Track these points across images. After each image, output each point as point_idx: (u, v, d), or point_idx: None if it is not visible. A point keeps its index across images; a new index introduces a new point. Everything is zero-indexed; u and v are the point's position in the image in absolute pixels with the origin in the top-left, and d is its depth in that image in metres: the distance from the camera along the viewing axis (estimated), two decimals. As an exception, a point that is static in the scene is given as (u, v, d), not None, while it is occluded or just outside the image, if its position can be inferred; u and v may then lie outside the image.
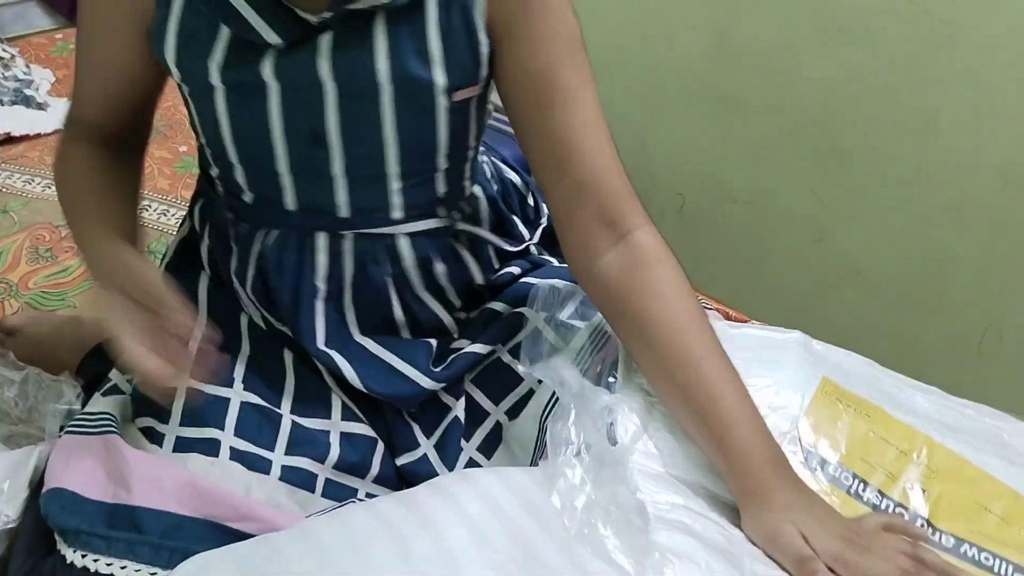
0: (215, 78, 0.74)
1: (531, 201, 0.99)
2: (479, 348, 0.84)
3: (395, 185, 0.80)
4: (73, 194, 0.82)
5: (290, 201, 0.81)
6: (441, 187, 0.83)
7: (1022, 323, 1.41)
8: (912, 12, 1.34)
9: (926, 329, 1.51)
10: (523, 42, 0.76)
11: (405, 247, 0.83)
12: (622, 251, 0.77)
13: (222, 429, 0.77)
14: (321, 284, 0.82)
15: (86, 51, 0.82)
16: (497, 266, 0.92)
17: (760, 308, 1.63)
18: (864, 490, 0.78)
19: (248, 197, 0.82)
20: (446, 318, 0.88)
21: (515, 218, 0.94)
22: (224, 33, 0.74)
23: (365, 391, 0.82)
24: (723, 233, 1.75)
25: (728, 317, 1.09)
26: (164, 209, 1.32)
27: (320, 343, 0.82)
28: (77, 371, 0.99)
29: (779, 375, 0.83)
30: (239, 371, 0.81)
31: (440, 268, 0.85)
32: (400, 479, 0.82)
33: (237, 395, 0.79)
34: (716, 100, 1.65)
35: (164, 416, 0.77)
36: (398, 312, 0.85)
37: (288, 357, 0.83)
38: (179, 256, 0.90)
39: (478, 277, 0.88)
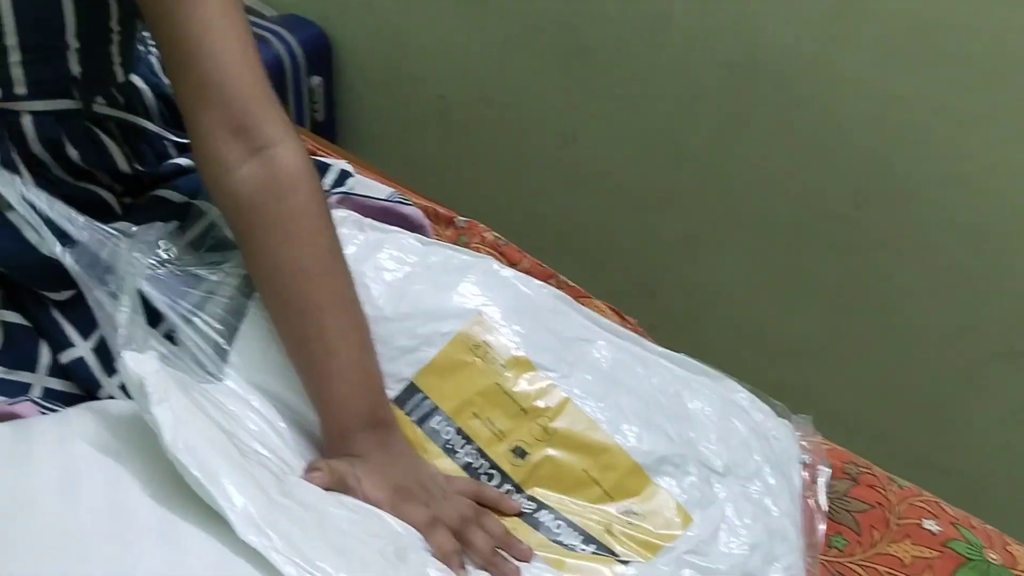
0: None
1: None
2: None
3: (13, 58, 0.74)
4: None
5: None
6: (75, 67, 0.77)
7: (752, 213, 1.47)
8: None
9: (664, 226, 1.57)
10: None
11: (28, 125, 0.77)
12: (257, 169, 0.72)
13: None
14: None
15: None
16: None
17: (514, 213, 1.65)
18: (462, 447, 0.77)
19: None
20: (109, 197, 0.82)
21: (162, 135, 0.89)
22: None
23: None
24: (482, 137, 1.74)
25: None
26: None
27: None
28: None
29: (431, 308, 0.80)
30: None
31: (74, 153, 0.79)
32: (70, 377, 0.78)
33: None
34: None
35: None
36: (38, 190, 0.76)
37: None
38: None
39: (123, 165, 0.83)
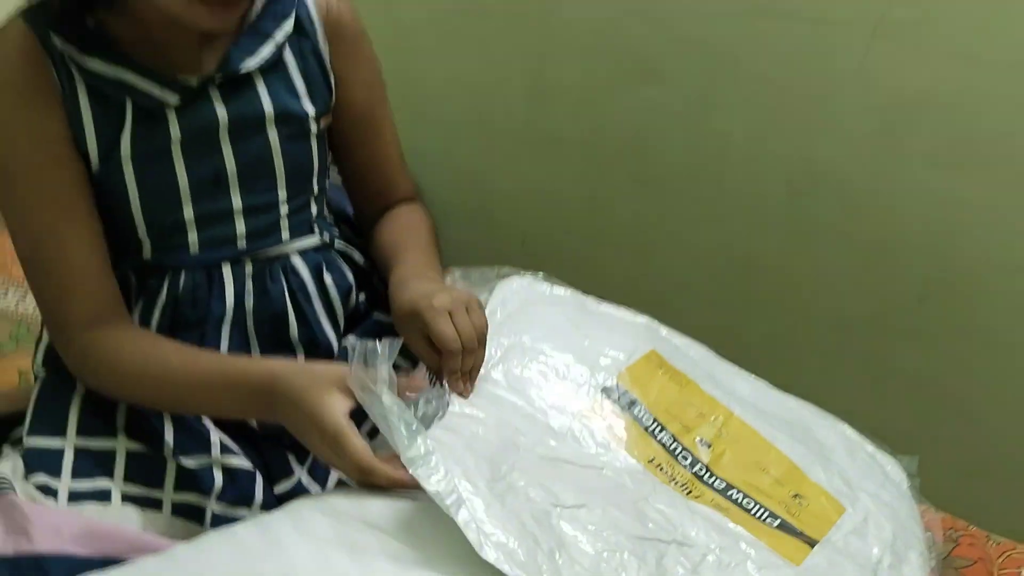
0: (126, 149, 0.87)
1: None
2: None
3: (283, 210, 0.95)
4: (161, 369, 0.88)
5: (193, 244, 0.93)
6: (314, 209, 1.00)
7: (825, 313, 1.59)
8: (696, 52, 1.52)
9: (743, 330, 1.68)
10: (352, 86, 0.99)
11: (298, 262, 0.97)
12: (384, 217, 1.07)
13: (111, 477, 0.85)
14: (228, 311, 0.93)
15: (42, 222, 0.88)
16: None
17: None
18: (660, 432, 0.92)
19: (148, 254, 0.93)
20: (335, 341, 0.99)
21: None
22: (129, 107, 0.87)
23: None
24: (562, 261, 1.88)
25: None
26: (22, 295, 1.39)
27: None
28: None
29: (613, 339, 1.00)
30: (120, 422, 0.89)
31: (329, 278, 0.99)
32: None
33: (121, 444, 0.88)
34: (540, 139, 1.80)
35: (55, 471, 0.85)
36: (294, 331, 0.96)
37: None
38: (51, 355, 0.96)
39: (355, 288, 1.04)
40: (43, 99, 0.85)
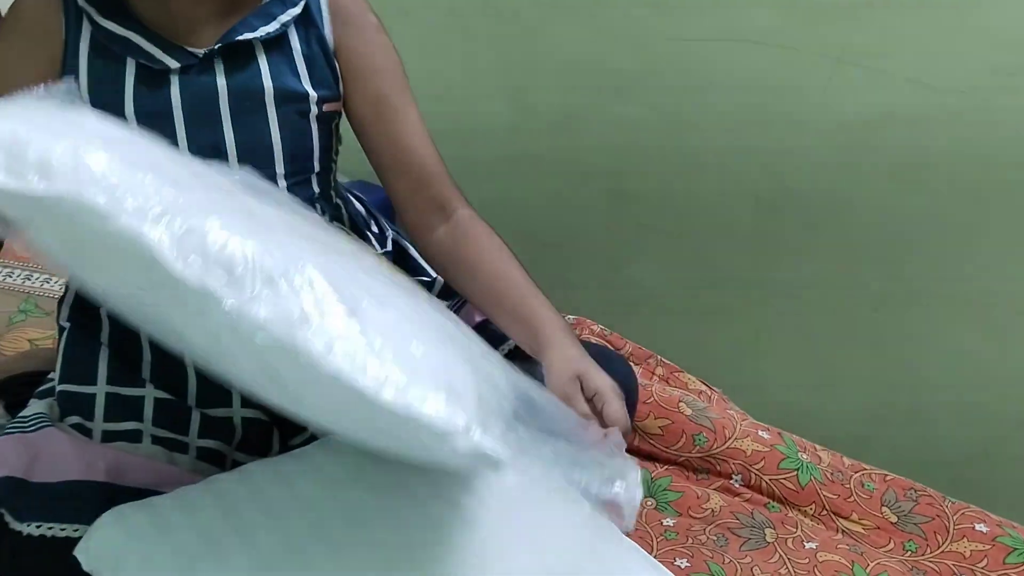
0: (129, 109, 0.91)
1: (375, 227, 1.18)
2: None
3: (282, 184, 0.99)
4: None
5: None
6: (316, 187, 1.02)
7: (789, 324, 1.69)
8: (670, 72, 1.62)
9: (714, 337, 1.76)
10: (362, 74, 1.01)
11: None
12: (451, 226, 1.03)
13: (141, 421, 0.91)
14: None
15: None
16: None
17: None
18: None
19: None
20: None
21: (367, 231, 1.14)
22: (131, 67, 0.91)
23: None
24: (536, 271, 1.96)
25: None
26: (27, 274, 1.44)
27: None
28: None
29: None
30: (146, 372, 0.95)
31: None
32: None
33: (150, 393, 0.93)
34: (519, 158, 1.88)
35: (89, 415, 0.90)
36: None
37: (188, 359, 0.97)
38: (76, 311, 1.01)
39: None
40: (45, 40, 0.91)
